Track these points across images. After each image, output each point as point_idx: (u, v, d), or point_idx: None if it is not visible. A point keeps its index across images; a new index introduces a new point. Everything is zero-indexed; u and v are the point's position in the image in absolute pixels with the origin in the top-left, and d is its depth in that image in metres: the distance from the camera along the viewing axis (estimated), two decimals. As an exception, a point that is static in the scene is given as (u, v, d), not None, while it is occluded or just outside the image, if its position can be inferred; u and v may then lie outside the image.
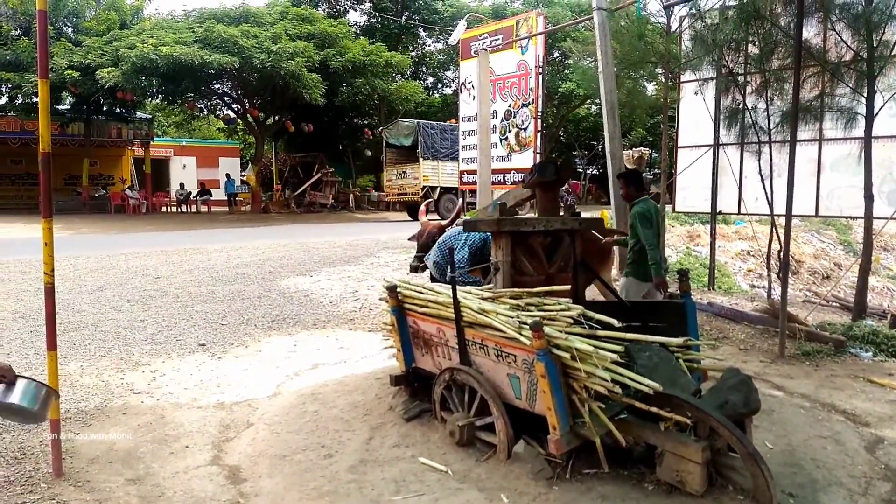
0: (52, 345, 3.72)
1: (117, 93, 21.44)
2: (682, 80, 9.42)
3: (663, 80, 10.19)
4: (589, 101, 28.84)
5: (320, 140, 28.96)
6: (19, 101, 23.06)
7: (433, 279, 5.52)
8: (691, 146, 9.38)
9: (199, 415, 4.75)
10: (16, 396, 3.02)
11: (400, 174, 24.18)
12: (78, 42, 21.79)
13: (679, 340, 3.82)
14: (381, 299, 4.96)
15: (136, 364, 5.85)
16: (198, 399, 5.06)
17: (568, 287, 4.51)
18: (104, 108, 25.26)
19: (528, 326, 3.36)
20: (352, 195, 29.56)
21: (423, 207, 6.45)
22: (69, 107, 24.76)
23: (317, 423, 4.48)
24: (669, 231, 12.40)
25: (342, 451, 4.03)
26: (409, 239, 6.43)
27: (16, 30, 22.41)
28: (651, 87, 14.79)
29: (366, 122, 31.76)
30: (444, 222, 6.03)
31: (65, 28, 23.69)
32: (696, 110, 9.07)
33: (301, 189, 28.42)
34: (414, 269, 5.84)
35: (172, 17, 24.99)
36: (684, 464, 3.19)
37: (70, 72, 20.09)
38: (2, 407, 3.04)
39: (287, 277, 9.97)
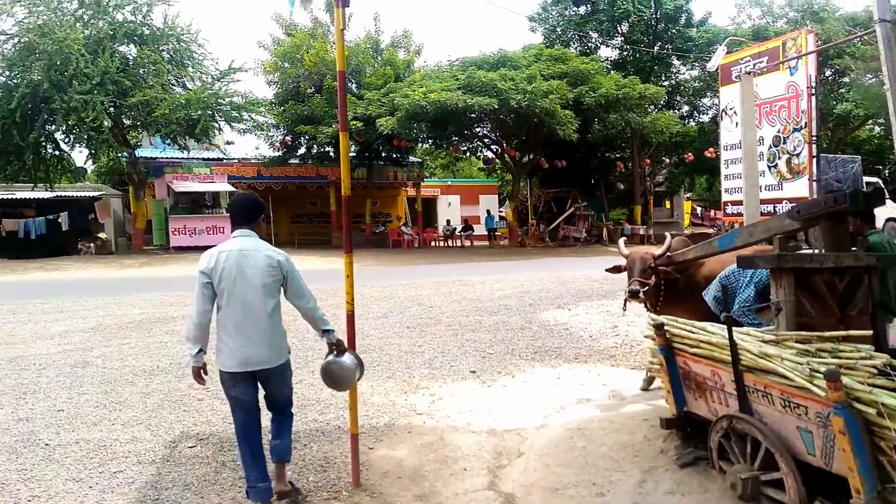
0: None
1: (393, 140, 23.94)
2: None
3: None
4: (871, 121, 25.40)
5: (573, 175, 29.35)
6: (315, 151, 26.75)
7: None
8: None
9: (474, 439, 5.07)
10: (345, 361, 4.10)
11: None
12: (360, 96, 24.77)
13: None
14: (645, 336, 4.87)
15: (416, 386, 6.45)
16: (472, 424, 5.40)
17: (868, 332, 4.03)
18: (382, 154, 28.30)
19: (821, 375, 3.09)
20: (605, 228, 29.36)
21: (621, 242, 6.18)
22: (354, 154, 27.89)
23: (586, 459, 4.54)
24: None
25: (614, 490, 4.04)
26: (606, 270, 6.18)
27: (310, 88, 26.13)
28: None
29: (618, 155, 31.45)
30: (656, 251, 5.66)
31: (349, 84, 27.11)
32: None
33: (555, 223, 29.04)
34: (634, 294, 5.53)
35: (439, 68, 27.31)
36: None
37: (355, 122, 22.84)
38: (332, 369, 4.11)
39: (546, 310, 10.23)
